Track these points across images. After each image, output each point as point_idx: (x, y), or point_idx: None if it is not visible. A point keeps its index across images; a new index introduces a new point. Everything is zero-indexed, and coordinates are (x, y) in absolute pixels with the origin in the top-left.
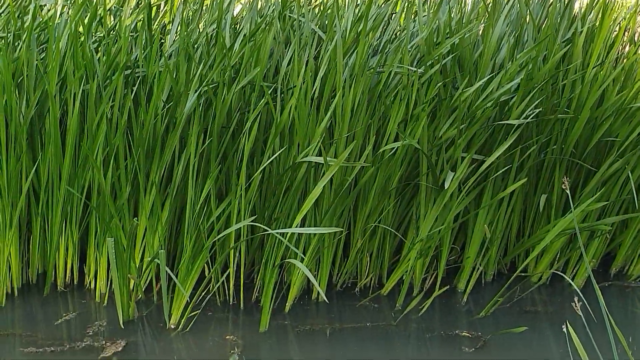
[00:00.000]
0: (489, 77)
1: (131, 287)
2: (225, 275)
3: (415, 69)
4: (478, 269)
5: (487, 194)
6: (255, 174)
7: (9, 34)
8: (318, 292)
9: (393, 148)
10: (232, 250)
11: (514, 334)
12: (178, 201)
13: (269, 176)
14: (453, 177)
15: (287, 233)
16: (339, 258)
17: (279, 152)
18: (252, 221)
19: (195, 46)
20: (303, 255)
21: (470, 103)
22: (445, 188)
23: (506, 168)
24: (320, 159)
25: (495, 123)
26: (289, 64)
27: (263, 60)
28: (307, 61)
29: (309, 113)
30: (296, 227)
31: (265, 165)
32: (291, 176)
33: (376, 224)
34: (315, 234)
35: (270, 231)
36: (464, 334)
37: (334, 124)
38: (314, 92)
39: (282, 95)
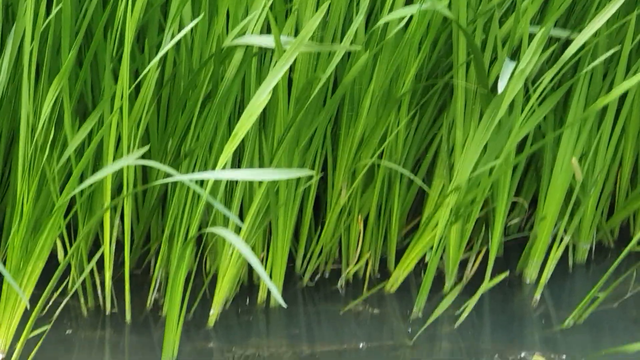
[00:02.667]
0: None
1: None
2: (95, 260)
3: None
4: (561, 240)
5: (576, 103)
6: (149, 67)
7: None
8: (269, 292)
9: (402, 18)
10: (108, 213)
11: (628, 355)
12: (5, 121)
13: (174, 74)
14: (514, 70)
15: (208, 180)
16: (308, 227)
17: (190, 25)
18: (143, 157)
19: None
20: (240, 222)
21: None
22: (500, 92)
23: (611, 52)
24: (267, 40)
25: None
26: None
27: None
28: None
29: None
30: (224, 168)
31: (166, 49)
32: (214, 73)
33: (375, 161)
34: (261, 182)
35: (177, 177)
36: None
37: None
38: None
39: None
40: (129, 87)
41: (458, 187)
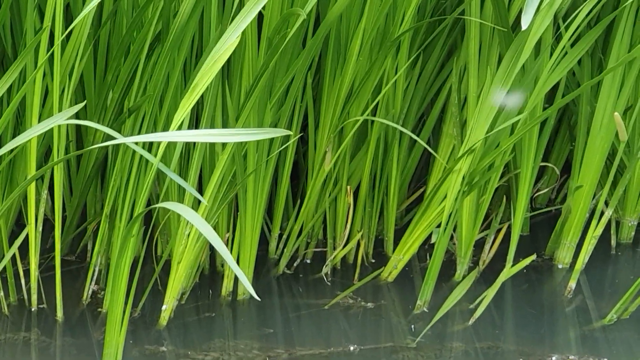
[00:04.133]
0: None
1: None
2: (18, 244)
3: None
4: (601, 215)
5: (619, 43)
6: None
7: None
8: (236, 281)
9: None
10: (33, 185)
11: None
12: None
13: (114, 11)
14: (540, 2)
15: (159, 144)
16: (284, 200)
17: None
18: (77, 116)
19: None
20: (199, 195)
21: None
22: (524, 29)
23: None
24: None
25: None
26: None
27: None
28: None
29: None
30: (179, 128)
31: None
32: (164, 8)
33: (367, 118)
34: (224, 146)
35: (120, 139)
36: None
37: None
38: None
39: None
40: (59, 28)
41: (472, 150)
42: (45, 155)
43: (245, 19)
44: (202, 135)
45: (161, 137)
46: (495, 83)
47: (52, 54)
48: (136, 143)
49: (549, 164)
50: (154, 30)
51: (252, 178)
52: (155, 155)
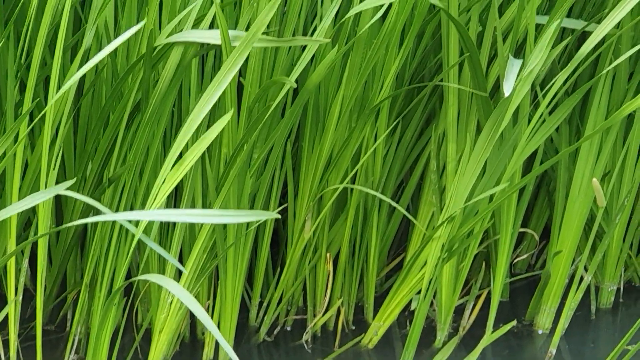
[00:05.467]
0: None
1: None
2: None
3: None
4: (581, 280)
5: (596, 110)
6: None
7: None
8: (217, 348)
9: (379, 8)
10: (14, 258)
11: None
12: None
13: (94, 82)
14: (519, 71)
15: (141, 222)
16: (264, 268)
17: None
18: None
19: None
20: (181, 266)
21: None
22: (506, 96)
23: (638, 48)
24: (211, 35)
25: None
26: None
27: None
28: None
29: None
30: (155, 201)
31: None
32: (144, 79)
33: (347, 185)
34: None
35: (102, 216)
36: None
37: None
38: None
39: None
40: (38, 98)
41: (452, 217)
42: (24, 223)
43: (220, 85)
44: (184, 215)
45: (143, 216)
46: (475, 150)
47: (32, 127)
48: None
49: (528, 230)
50: (134, 99)
51: (232, 247)
52: (136, 226)
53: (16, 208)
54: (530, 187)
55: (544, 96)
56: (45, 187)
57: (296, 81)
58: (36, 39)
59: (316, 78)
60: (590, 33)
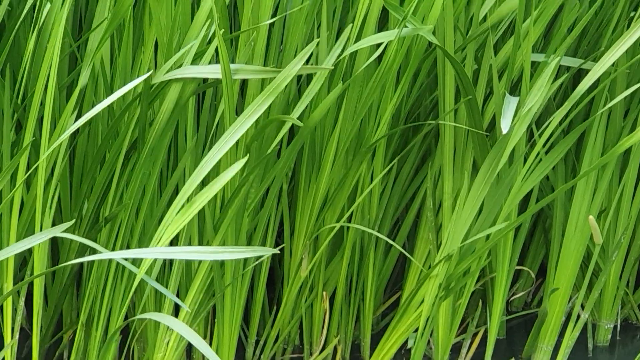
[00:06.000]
0: None
1: None
2: None
3: None
4: (578, 318)
5: (592, 147)
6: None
7: None
8: None
9: (378, 45)
10: (11, 298)
11: None
12: None
13: (90, 120)
14: (517, 109)
15: (143, 260)
16: (260, 306)
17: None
18: (53, 224)
19: None
20: (183, 304)
21: None
22: (504, 132)
23: (634, 89)
24: (211, 70)
25: None
26: None
27: None
28: None
29: None
30: (160, 242)
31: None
32: (140, 117)
33: (343, 224)
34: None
35: (100, 255)
36: None
37: None
38: None
39: None
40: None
41: (449, 254)
42: (21, 264)
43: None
44: (183, 253)
45: (140, 254)
46: (473, 189)
47: (30, 169)
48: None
49: (525, 268)
50: (130, 138)
51: (229, 286)
52: (141, 268)
53: (13, 250)
54: (527, 225)
55: (540, 135)
56: (41, 227)
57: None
58: (34, 79)
59: (312, 120)
60: (585, 70)
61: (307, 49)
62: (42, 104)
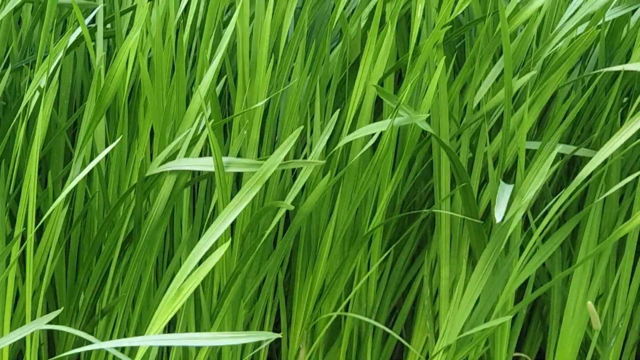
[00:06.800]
0: None
1: None
2: None
3: None
4: None
5: (588, 234)
6: (53, 208)
7: None
8: None
9: (371, 135)
10: None
11: None
12: None
13: (85, 212)
14: (512, 197)
15: (137, 349)
16: None
17: (106, 150)
18: (49, 321)
19: None
20: None
21: (542, 26)
22: (499, 220)
23: (630, 179)
24: (204, 162)
25: (602, 70)
26: None
27: None
28: None
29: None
30: (151, 331)
31: (72, 185)
32: (136, 209)
33: (340, 314)
34: (199, 347)
35: (95, 345)
36: None
37: (231, 84)
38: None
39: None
40: (31, 230)
41: (447, 345)
42: (16, 358)
43: (227, 219)
44: (180, 340)
45: (139, 342)
46: (474, 277)
47: (24, 258)
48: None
49: (523, 355)
50: (126, 230)
51: None
52: (129, 355)
53: (7, 340)
54: (524, 311)
55: (536, 224)
56: (35, 317)
57: (287, 211)
58: (24, 169)
59: (307, 208)
60: (579, 157)
61: (290, 138)
62: (38, 196)
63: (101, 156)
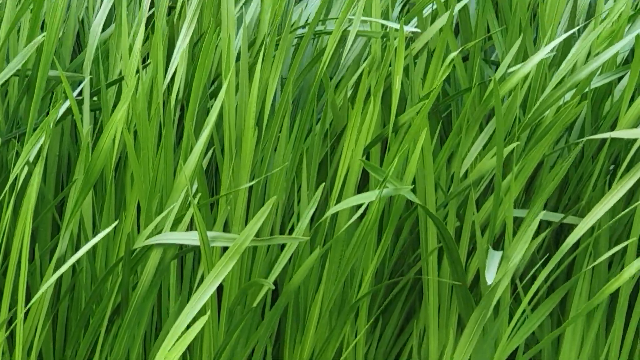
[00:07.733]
0: (564, 36)
1: None
2: None
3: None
4: None
5: (577, 303)
6: (44, 289)
7: None
8: None
9: (359, 207)
10: None
11: None
12: None
13: (73, 285)
14: (500, 263)
15: None
16: None
17: (103, 233)
18: None
19: None
20: None
21: (528, 94)
22: (489, 284)
23: (618, 248)
24: (190, 237)
25: (589, 137)
26: None
27: None
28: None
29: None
30: None
31: (60, 271)
32: (123, 282)
33: None
34: None
35: None
36: None
37: (219, 155)
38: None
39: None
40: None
41: None
42: None
43: (205, 294)
44: None
45: None
46: (460, 346)
47: (12, 333)
48: None
49: None
50: (114, 303)
51: None
52: None
53: None
54: None
55: (525, 292)
56: None
57: (275, 282)
58: (11, 246)
59: (296, 282)
60: (568, 225)
61: (262, 211)
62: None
63: (88, 246)
